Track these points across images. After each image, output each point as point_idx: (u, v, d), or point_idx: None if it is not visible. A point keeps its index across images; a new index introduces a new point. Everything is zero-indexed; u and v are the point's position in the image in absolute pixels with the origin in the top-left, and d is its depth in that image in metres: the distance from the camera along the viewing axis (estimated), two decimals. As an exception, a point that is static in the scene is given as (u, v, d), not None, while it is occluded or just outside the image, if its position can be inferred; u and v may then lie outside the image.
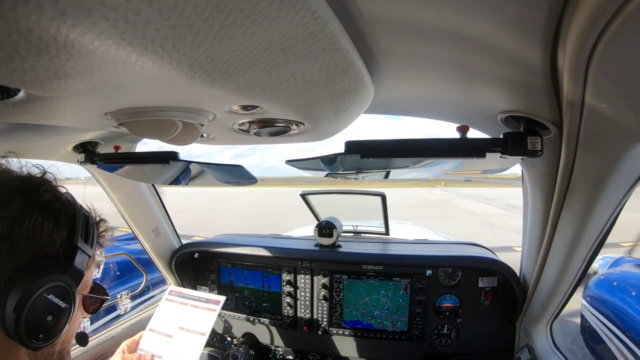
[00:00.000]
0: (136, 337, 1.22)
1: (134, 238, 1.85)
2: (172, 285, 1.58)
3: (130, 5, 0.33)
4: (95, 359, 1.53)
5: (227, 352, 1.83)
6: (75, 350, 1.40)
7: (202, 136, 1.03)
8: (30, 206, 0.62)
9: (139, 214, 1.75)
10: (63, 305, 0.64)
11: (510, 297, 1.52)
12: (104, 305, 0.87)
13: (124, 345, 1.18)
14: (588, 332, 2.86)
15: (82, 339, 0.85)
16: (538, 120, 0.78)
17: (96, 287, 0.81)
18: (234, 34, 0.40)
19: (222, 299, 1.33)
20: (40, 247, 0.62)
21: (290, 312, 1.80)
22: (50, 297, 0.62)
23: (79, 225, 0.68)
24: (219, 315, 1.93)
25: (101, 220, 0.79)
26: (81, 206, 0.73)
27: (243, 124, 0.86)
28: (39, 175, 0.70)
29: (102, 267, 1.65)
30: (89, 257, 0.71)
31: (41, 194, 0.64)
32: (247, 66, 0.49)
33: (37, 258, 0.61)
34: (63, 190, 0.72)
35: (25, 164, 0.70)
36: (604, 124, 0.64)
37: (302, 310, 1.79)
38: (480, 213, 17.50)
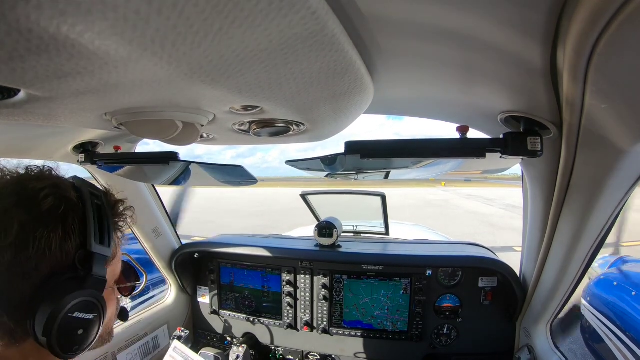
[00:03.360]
0: None
1: (134, 238, 1.85)
2: (177, 342, 1.57)
3: (129, 5, 0.32)
4: None
5: (227, 352, 1.83)
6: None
7: (202, 136, 1.03)
8: (31, 223, 0.56)
9: (139, 214, 1.74)
10: (91, 316, 0.63)
11: (510, 297, 1.52)
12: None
13: None
14: (588, 332, 2.86)
15: (123, 314, 0.84)
16: (538, 120, 0.78)
17: (127, 270, 0.80)
18: (233, 34, 0.40)
19: None
20: (55, 263, 0.59)
21: (290, 312, 1.80)
22: (76, 314, 0.60)
23: (90, 227, 0.63)
24: (218, 315, 1.94)
25: (118, 201, 0.74)
26: (91, 193, 0.67)
27: (243, 124, 0.86)
28: (35, 172, 0.64)
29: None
30: (107, 257, 0.66)
31: (42, 202, 0.58)
32: (247, 66, 0.49)
33: (55, 274, 0.58)
34: (67, 176, 0.67)
35: (19, 164, 0.65)
36: (604, 124, 0.64)
37: (302, 311, 1.79)
38: (481, 213, 17.48)
